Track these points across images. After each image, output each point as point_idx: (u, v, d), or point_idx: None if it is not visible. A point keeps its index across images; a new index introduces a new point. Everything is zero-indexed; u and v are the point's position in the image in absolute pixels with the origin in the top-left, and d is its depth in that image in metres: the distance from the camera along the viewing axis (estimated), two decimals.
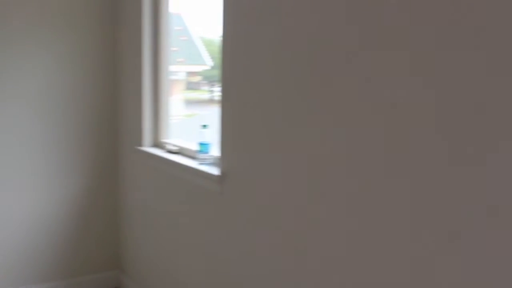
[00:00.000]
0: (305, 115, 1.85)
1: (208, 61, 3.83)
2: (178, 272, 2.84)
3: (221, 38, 2.31)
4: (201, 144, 2.55)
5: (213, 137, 2.53)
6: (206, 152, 2.54)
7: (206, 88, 3.91)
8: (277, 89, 1.99)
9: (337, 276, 1.77)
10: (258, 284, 2.17)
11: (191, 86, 4.03)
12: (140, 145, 3.14)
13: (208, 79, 3.85)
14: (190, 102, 3.99)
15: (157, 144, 3.12)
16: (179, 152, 2.88)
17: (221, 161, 2.36)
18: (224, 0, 2.27)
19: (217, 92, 2.37)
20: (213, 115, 2.49)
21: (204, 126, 2.55)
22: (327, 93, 1.75)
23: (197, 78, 4.02)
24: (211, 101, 3.54)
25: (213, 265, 2.49)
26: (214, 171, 2.41)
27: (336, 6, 1.69)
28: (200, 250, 2.60)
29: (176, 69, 3.75)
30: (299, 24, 1.85)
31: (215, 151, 2.54)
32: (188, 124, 3.80)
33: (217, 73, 2.41)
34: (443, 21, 1.35)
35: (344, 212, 1.72)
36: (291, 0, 1.88)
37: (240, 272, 2.28)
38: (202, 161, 2.55)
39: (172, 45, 3.20)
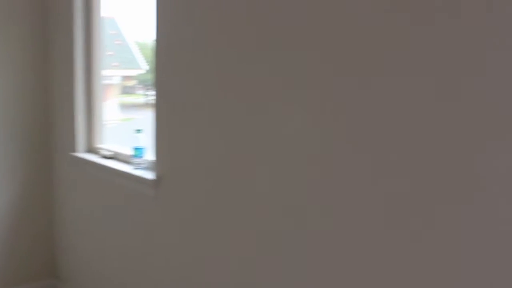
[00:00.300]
0: (239, 118, 1.83)
1: (143, 65, 3.74)
2: (116, 278, 2.74)
3: (155, 42, 2.24)
4: (136, 148, 2.47)
5: (148, 141, 2.45)
6: (141, 157, 2.46)
7: (141, 92, 3.81)
8: (210, 92, 1.95)
9: (269, 276, 1.75)
10: (195, 286, 2.13)
11: (126, 90, 3.91)
12: (74, 151, 3.01)
13: (143, 83, 3.75)
14: (125, 106, 3.87)
15: (92, 150, 3.00)
16: (114, 157, 2.78)
17: (156, 165, 2.30)
18: (157, 4, 2.21)
19: (152, 96, 2.30)
20: (149, 119, 2.41)
21: (138, 130, 2.47)
22: (260, 96, 1.73)
23: (132, 82, 3.91)
24: (147, 105, 3.44)
25: (150, 269, 2.42)
26: (149, 175, 2.34)
27: (271, 10, 1.68)
28: (138, 255, 2.52)
29: (111, 74, 3.64)
30: (233, 27, 1.83)
31: (150, 155, 2.47)
32: (124, 128, 3.69)
33: (152, 77, 2.33)
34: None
35: (278, 212, 1.70)
36: (225, 3, 1.85)
37: (177, 275, 2.23)
38: (137, 166, 2.47)
39: (106, 49, 3.09)
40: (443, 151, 1.23)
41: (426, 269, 1.29)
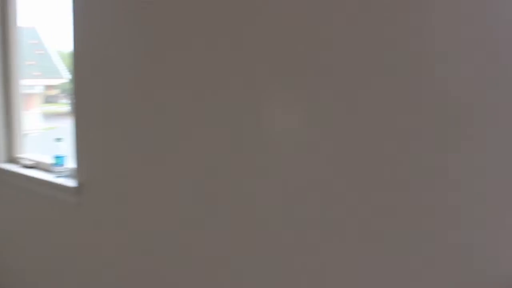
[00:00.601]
0: (158, 123, 1.84)
1: (65, 74, 3.65)
2: (44, 285, 2.66)
3: (72, 50, 2.21)
4: (57, 157, 2.42)
5: (69, 149, 2.41)
6: (62, 165, 2.42)
7: (64, 101, 3.72)
8: (128, 99, 1.95)
9: (194, 279, 1.78)
10: None
11: (49, 99, 3.81)
12: None
13: (66, 92, 3.66)
14: (49, 115, 3.77)
15: (12, 160, 2.90)
16: (35, 166, 2.70)
17: (78, 173, 2.27)
18: (73, 13, 2.18)
19: (72, 104, 2.26)
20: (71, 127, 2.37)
21: (58, 139, 2.42)
22: (182, 102, 1.75)
23: (55, 91, 3.81)
24: (70, 113, 3.37)
25: (77, 275, 2.37)
26: (71, 183, 2.30)
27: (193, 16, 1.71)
28: (64, 262, 2.46)
29: (32, 83, 3.53)
30: (145, 34, 1.84)
31: (71, 163, 2.43)
32: (47, 137, 3.59)
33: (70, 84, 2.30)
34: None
35: (203, 216, 1.73)
36: (143, 8, 1.87)
37: (102, 279, 2.20)
38: (59, 174, 2.42)
39: (25, 59, 2.99)
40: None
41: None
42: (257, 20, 1.46)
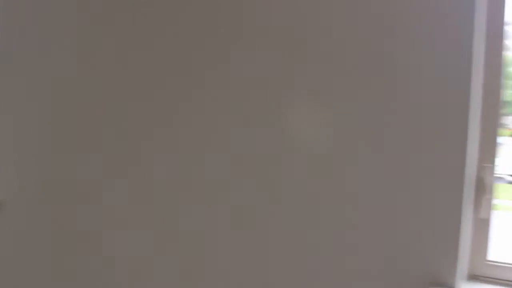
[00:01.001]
0: (87, 134, 1.76)
1: None
2: None
3: None
4: None
5: None
6: None
7: None
8: (53, 108, 1.85)
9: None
10: None
11: None
12: None
13: None
14: None
15: None
16: None
17: None
18: None
19: None
20: None
21: None
22: (104, 110, 1.70)
23: None
24: None
25: None
26: None
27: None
28: None
29: None
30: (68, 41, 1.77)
31: None
32: None
33: None
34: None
35: (134, 232, 1.67)
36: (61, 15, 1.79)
37: None
38: None
39: None
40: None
41: None
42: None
